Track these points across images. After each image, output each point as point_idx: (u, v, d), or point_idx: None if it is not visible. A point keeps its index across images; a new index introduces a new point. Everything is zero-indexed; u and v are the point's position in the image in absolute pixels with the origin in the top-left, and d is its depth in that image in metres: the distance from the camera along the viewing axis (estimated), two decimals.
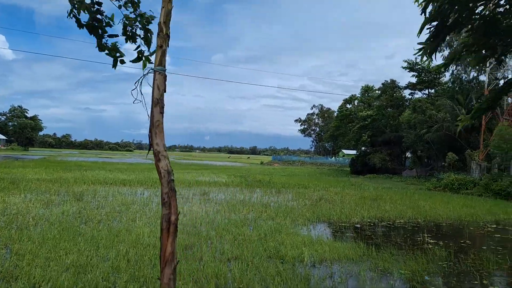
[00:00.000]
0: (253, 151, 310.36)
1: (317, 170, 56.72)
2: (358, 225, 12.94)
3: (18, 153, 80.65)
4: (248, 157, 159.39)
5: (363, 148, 50.42)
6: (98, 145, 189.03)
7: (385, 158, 45.64)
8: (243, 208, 14.62)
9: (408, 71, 45.03)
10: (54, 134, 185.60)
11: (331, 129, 62.76)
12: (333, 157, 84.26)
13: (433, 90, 45.17)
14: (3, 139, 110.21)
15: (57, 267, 6.51)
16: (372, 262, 8.25)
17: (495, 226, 13.97)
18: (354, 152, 60.04)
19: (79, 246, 7.91)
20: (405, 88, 47.56)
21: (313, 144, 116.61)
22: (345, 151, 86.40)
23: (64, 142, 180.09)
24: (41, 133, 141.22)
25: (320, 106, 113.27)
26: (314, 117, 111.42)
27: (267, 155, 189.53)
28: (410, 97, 48.73)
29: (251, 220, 12.18)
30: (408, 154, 50.12)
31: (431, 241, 10.86)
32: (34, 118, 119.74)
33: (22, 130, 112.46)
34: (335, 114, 69.72)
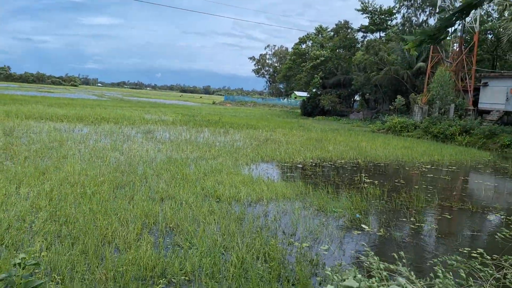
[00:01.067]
0: (207, 90, 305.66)
1: (269, 112, 56.86)
2: (300, 165, 13.08)
3: None
4: (201, 97, 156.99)
5: (314, 90, 50.69)
6: (39, 79, 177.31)
7: (334, 100, 46.36)
8: (186, 148, 14.26)
9: (362, 13, 44.70)
10: None
11: (283, 69, 62.11)
12: (286, 99, 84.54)
13: (384, 34, 45.40)
14: None
15: None
16: (307, 201, 8.34)
17: (429, 166, 14.68)
18: (306, 94, 60.43)
19: None
20: (358, 30, 47.44)
21: (267, 85, 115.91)
22: (298, 93, 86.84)
23: (2, 75, 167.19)
24: None
25: (274, 46, 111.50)
26: (267, 57, 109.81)
27: (220, 95, 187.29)
28: (362, 39, 48.87)
29: (192, 160, 11.90)
30: (357, 97, 51.22)
31: (368, 180, 11.20)
32: None
33: None
34: (286, 56, 68.94)
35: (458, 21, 5.28)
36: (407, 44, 4.83)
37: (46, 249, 4.85)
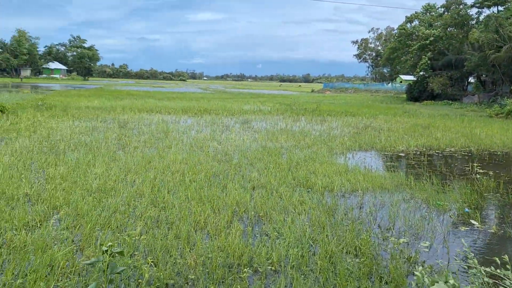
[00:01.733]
0: (306, 79, 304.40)
1: (371, 98, 54.48)
2: (403, 154, 12.22)
3: (77, 83, 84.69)
4: (299, 85, 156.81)
5: (422, 72, 46.96)
6: (153, 75, 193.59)
7: (445, 83, 42.45)
8: (281, 137, 14.28)
9: None
10: (112, 64, 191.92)
11: (387, 51, 58.35)
12: (390, 83, 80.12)
13: (502, 8, 40.02)
14: (64, 69, 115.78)
15: (82, 191, 6.65)
16: (408, 193, 7.73)
17: None
18: (412, 78, 56.37)
19: (110, 172, 8.06)
20: (472, 6, 42.47)
21: (369, 70, 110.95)
22: (403, 77, 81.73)
23: (121, 72, 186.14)
24: (99, 63, 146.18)
25: (377, 29, 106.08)
26: (370, 40, 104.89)
27: (320, 83, 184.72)
28: (477, 15, 43.74)
29: (286, 149, 11.87)
30: (471, 79, 46.31)
31: (481, 171, 10.01)
32: (91, 49, 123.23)
33: (81, 60, 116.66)
34: (393, 35, 64.68)
35: None
36: None
37: (146, 233, 5.20)
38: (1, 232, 4.94)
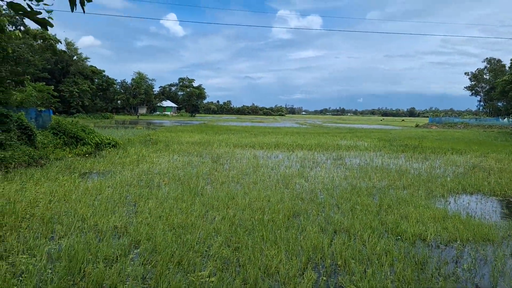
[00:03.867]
0: (411, 113, 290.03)
1: (483, 134, 49.40)
2: None
3: (185, 119, 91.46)
4: (402, 120, 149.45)
5: None
6: (253, 110, 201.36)
7: None
8: (375, 175, 13.46)
9: None
10: (217, 101, 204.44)
11: (500, 85, 52.92)
12: (506, 118, 72.12)
13: None
14: (174, 107, 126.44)
15: (164, 226, 6.87)
16: None
17: None
18: None
19: (193, 207, 8.28)
20: None
21: (480, 104, 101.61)
22: None
23: (224, 109, 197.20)
24: (205, 101, 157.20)
25: (491, 60, 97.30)
26: (484, 72, 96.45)
27: (426, 117, 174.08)
28: None
29: (378, 189, 11.09)
30: None
31: None
32: (199, 88, 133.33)
33: (189, 98, 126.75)
34: (508, 66, 58.67)
35: None
36: None
37: (214, 275, 5.10)
38: (83, 265, 5.24)
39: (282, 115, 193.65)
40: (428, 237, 6.93)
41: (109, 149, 18.83)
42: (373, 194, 10.43)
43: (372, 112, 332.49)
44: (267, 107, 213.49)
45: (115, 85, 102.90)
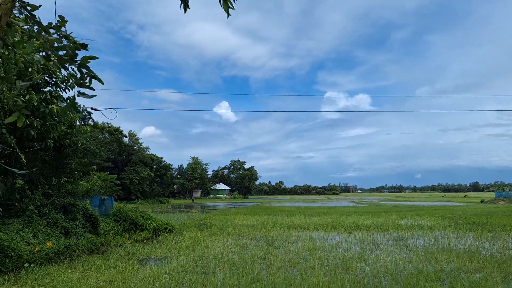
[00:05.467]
0: (475, 187, 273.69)
1: None
2: None
3: (238, 201, 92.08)
4: (465, 195, 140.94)
5: None
6: (306, 190, 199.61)
7: None
8: (442, 257, 12.48)
9: None
10: (269, 182, 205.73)
11: None
12: None
13: None
14: (227, 189, 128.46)
15: None
16: None
17: None
18: None
19: None
20: None
21: None
22: None
23: (277, 189, 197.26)
24: (257, 182, 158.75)
25: None
26: None
27: (492, 191, 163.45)
28: None
29: (448, 273, 10.21)
30: None
31: None
32: (250, 169, 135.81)
33: (242, 180, 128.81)
34: None
35: None
36: None
37: None
38: None
39: (336, 194, 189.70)
40: None
41: (166, 234, 19.15)
42: (443, 278, 9.60)
43: (432, 188, 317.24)
44: (320, 186, 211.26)
45: (172, 171, 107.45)
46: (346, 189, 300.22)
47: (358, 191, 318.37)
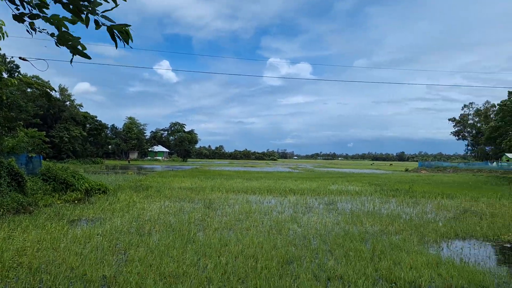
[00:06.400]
0: (401, 157, 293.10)
1: (472, 178, 49.89)
2: (509, 245, 10.60)
3: (177, 164, 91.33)
4: (391, 164, 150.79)
5: None
6: (245, 155, 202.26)
7: None
8: (367, 220, 13.45)
9: None
10: (209, 146, 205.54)
11: (487, 131, 54.45)
12: (494, 162, 73.21)
13: None
14: (166, 151, 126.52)
15: (155, 276, 6.74)
16: None
17: None
18: None
19: (185, 255, 8.15)
20: None
21: (468, 148, 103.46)
22: (510, 155, 74.40)
23: (217, 153, 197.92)
24: (197, 146, 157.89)
25: (472, 104, 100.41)
26: (468, 117, 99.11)
27: (415, 161, 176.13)
28: None
29: (371, 234, 11.05)
30: None
31: None
32: (191, 132, 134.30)
33: (181, 143, 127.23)
34: (493, 113, 60.48)
35: None
36: None
37: None
38: None
39: (274, 160, 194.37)
40: (423, 284, 6.86)
41: (99, 195, 18.63)
42: (366, 239, 10.38)
43: (363, 157, 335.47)
44: (259, 151, 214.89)
45: (107, 130, 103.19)
46: (284, 155, 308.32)
47: (295, 157, 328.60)
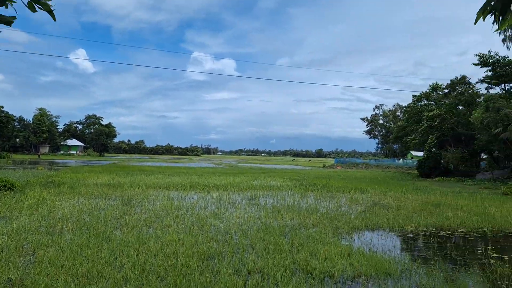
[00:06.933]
0: (319, 154, 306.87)
1: (382, 173, 54.01)
2: (411, 235, 11.67)
3: (93, 159, 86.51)
4: (309, 160, 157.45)
5: (432, 149, 46.90)
6: (168, 150, 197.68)
7: (456, 158, 42.09)
8: (286, 214, 13.92)
9: (481, 67, 40.93)
10: (129, 140, 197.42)
11: (395, 131, 59.38)
12: (401, 159, 79.93)
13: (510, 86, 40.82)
14: (81, 145, 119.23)
15: (67, 277, 6.34)
16: (413, 280, 7.19)
17: None
18: (423, 154, 56.29)
19: (101, 254, 7.77)
20: (480, 82, 43.39)
21: (378, 146, 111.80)
22: (414, 153, 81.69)
23: (137, 148, 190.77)
24: (116, 140, 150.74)
25: (382, 105, 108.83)
26: (378, 117, 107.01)
27: (332, 158, 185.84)
28: (486, 92, 44.44)
29: (290, 228, 11.47)
30: (484, 155, 45.87)
31: (495, 255, 9.39)
32: (108, 126, 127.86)
33: (98, 137, 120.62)
34: (401, 113, 66.08)
35: None
36: None
37: None
38: None
39: (198, 155, 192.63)
40: (336, 273, 7.28)
41: (4, 192, 17.01)
42: (286, 233, 10.74)
43: (284, 153, 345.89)
44: (183, 146, 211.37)
45: (14, 122, 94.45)
46: (208, 151, 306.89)
47: (219, 153, 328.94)
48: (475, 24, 3.68)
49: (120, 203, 15.32)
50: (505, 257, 9.14)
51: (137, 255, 7.81)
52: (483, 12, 3.54)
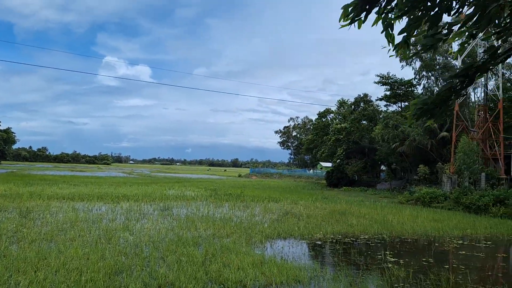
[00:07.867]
0: (235, 163, 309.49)
1: (294, 183, 56.15)
2: (319, 242, 12.27)
3: None
4: (225, 170, 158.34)
5: (339, 160, 50.11)
6: (74, 158, 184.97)
7: (359, 170, 45.40)
8: (201, 225, 13.79)
9: (381, 85, 45.21)
10: (30, 147, 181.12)
11: (306, 143, 62.64)
12: (311, 170, 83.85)
13: (407, 103, 45.41)
14: None
15: None
16: (322, 285, 7.56)
17: (461, 242, 13.50)
18: (331, 165, 59.84)
19: None
20: (379, 99, 47.78)
21: (291, 156, 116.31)
22: (323, 164, 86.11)
23: (39, 156, 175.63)
24: (15, 146, 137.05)
25: (297, 118, 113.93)
26: (291, 130, 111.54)
27: (248, 167, 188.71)
28: (385, 109, 48.93)
29: (204, 238, 11.37)
30: (383, 167, 50.08)
31: (392, 259, 10.27)
32: (7, 131, 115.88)
33: None
34: (310, 126, 69.89)
35: (461, 94, 4.99)
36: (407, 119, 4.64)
37: None
38: None
39: (108, 164, 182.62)
40: (248, 283, 7.37)
41: None
42: (199, 244, 10.63)
43: (200, 162, 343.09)
44: (91, 155, 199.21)
45: None
46: (119, 159, 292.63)
47: (131, 161, 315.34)
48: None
49: (18, 215, 13.94)
50: (401, 261, 10.02)
51: (35, 272, 7.16)
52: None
